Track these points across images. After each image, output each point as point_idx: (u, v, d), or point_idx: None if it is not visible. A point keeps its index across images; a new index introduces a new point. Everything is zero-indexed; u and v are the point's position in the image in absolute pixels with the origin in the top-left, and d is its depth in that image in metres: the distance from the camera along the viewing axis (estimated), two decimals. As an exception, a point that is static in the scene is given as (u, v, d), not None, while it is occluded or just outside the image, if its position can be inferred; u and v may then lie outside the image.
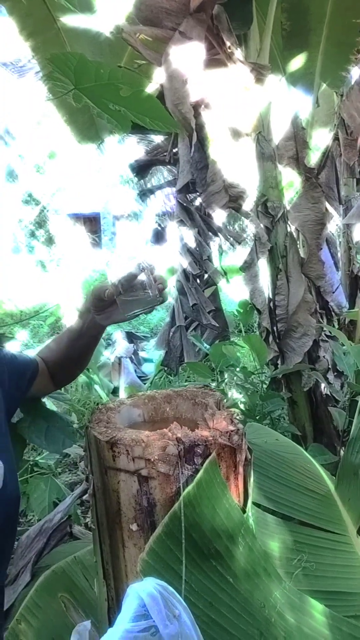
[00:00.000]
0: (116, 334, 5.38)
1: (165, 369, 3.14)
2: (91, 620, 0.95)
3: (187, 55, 2.09)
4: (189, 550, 0.74)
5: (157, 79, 2.34)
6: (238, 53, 2.19)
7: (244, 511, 0.86)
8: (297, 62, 2.63)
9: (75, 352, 1.16)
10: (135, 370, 4.70)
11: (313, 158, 2.69)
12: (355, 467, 1.35)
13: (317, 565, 1.11)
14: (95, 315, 1.10)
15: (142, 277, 1.02)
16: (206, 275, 2.79)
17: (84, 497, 2.83)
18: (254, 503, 1.10)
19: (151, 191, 3.03)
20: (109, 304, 1.07)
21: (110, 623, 0.90)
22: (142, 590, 0.65)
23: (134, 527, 0.83)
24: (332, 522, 1.27)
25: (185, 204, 2.54)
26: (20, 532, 2.01)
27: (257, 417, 2.27)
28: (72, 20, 2.33)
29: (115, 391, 4.35)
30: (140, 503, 0.82)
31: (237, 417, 0.91)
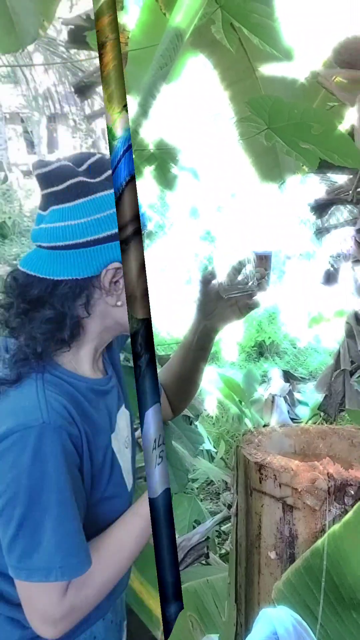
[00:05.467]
0: (273, 371, 5.32)
1: (322, 414, 3.00)
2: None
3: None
4: (328, 592, 0.70)
5: (349, 119, 2.34)
6: None
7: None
8: None
9: (186, 369, 1.16)
10: (288, 411, 4.57)
11: None
12: None
13: None
14: (205, 322, 1.10)
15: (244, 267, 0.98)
16: (378, 321, 2.62)
17: (222, 528, 2.82)
18: None
19: (327, 230, 2.99)
20: (215, 305, 1.07)
21: (236, 649, 0.89)
22: (276, 618, 0.64)
23: (273, 555, 0.81)
24: None
25: (363, 245, 2.44)
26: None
27: None
28: (270, 68, 2.46)
29: (265, 428, 4.28)
30: (282, 532, 0.80)
31: None
